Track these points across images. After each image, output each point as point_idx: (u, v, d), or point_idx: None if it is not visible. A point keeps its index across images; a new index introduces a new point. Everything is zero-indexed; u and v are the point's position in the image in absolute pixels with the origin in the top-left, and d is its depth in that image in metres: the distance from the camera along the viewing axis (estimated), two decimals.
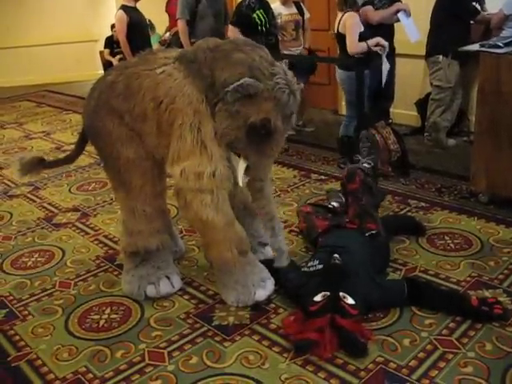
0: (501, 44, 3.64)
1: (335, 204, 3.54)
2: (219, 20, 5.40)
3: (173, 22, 6.32)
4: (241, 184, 2.71)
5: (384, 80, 4.61)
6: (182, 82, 2.59)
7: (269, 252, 3.15)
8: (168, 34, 7.19)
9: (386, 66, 4.55)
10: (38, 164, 3.14)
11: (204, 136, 2.57)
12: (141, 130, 2.74)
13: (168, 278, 2.94)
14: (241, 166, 2.67)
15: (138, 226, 2.89)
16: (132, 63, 2.84)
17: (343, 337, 2.38)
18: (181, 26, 5.40)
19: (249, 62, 2.52)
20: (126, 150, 2.77)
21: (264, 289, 2.78)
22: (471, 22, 4.85)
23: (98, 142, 2.91)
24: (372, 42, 4.47)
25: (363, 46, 4.45)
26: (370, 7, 4.74)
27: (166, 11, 7.45)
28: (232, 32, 5.23)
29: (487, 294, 2.75)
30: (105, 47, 7.41)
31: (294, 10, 5.57)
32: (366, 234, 3.01)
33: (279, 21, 5.46)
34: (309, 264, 2.81)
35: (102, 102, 2.79)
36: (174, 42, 6.61)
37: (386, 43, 4.50)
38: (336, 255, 2.60)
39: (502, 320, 2.52)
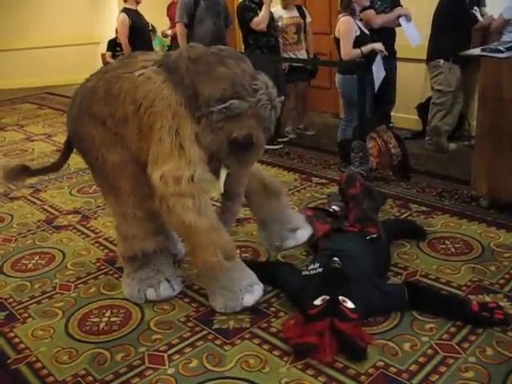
0: (502, 48, 3.64)
1: (336, 208, 3.54)
2: (219, 23, 5.37)
3: (173, 25, 6.33)
4: (221, 190, 2.78)
5: (377, 83, 4.59)
6: (161, 85, 2.60)
7: (301, 236, 3.10)
8: (170, 30, 7.15)
9: (378, 68, 4.54)
10: (22, 172, 3.13)
11: (183, 139, 2.57)
12: (123, 134, 2.72)
13: (168, 281, 2.93)
14: (222, 173, 2.73)
15: (131, 231, 2.88)
16: (112, 67, 2.85)
17: (342, 341, 2.38)
18: (179, 29, 5.40)
19: (232, 77, 2.55)
20: (111, 154, 2.75)
21: (252, 294, 2.74)
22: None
23: (82, 149, 2.90)
24: (366, 48, 4.47)
25: (357, 52, 4.45)
26: (371, 11, 4.74)
27: (167, 15, 7.46)
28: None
29: (488, 298, 2.75)
30: (107, 50, 7.41)
31: (295, 13, 5.57)
32: (367, 238, 3.00)
33: (280, 24, 5.47)
34: (309, 267, 2.81)
35: (83, 107, 2.78)
36: (173, 47, 6.60)
37: (381, 47, 4.50)
38: (336, 258, 2.60)
39: (502, 325, 2.51)
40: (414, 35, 4.80)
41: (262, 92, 2.56)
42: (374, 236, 3.01)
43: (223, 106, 2.49)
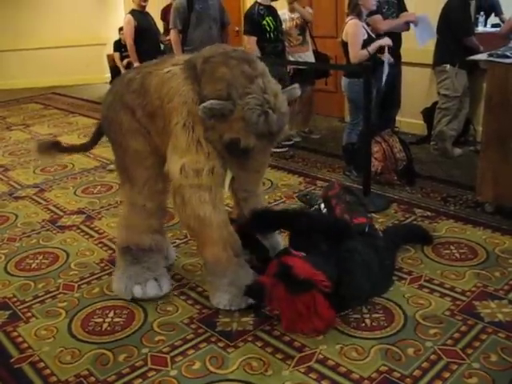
0: (509, 54, 3.63)
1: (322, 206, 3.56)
2: (214, 27, 5.29)
3: (168, 32, 6.29)
4: (226, 189, 2.82)
5: (383, 80, 4.57)
6: (182, 82, 2.66)
7: None
8: (167, 38, 7.18)
9: (385, 68, 4.54)
10: (54, 146, 3.26)
11: (198, 135, 2.62)
12: (150, 127, 2.82)
13: (156, 280, 2.94)
14: (228, 174, 2.77)
15: (135, 220, 2.94)
16: (151, 63, 2.95)
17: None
18: (173, 35, 5.37)
19: (228, 78, 2.52)
20: (134, 142, 2.85)
21: None
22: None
23: (110, 133, 3.00)
24: (374, 46, 4.46)
25: (364, 53, 4.43)
26: (378, 16, 4.71)
27: (162, 19, 7.44)
28: (249, 41, 5.25)
29: (492, 304, 2.74)
30: (114, 51, 7.44)
31: (296, 14, 5.58)
32: (366, 230, 3.01)
33: (284, 26, 5.48)
34: None
35: (118, 96, 2.89)
36: (167, 51, 6.56)
37: (388, 42, 4.48)
38: None
39: None
40: (422, 36, 4.77)
41: (252, 96, 2.46)
42: (369, 225, 3.05)
43: (203, 105, 2.47)
